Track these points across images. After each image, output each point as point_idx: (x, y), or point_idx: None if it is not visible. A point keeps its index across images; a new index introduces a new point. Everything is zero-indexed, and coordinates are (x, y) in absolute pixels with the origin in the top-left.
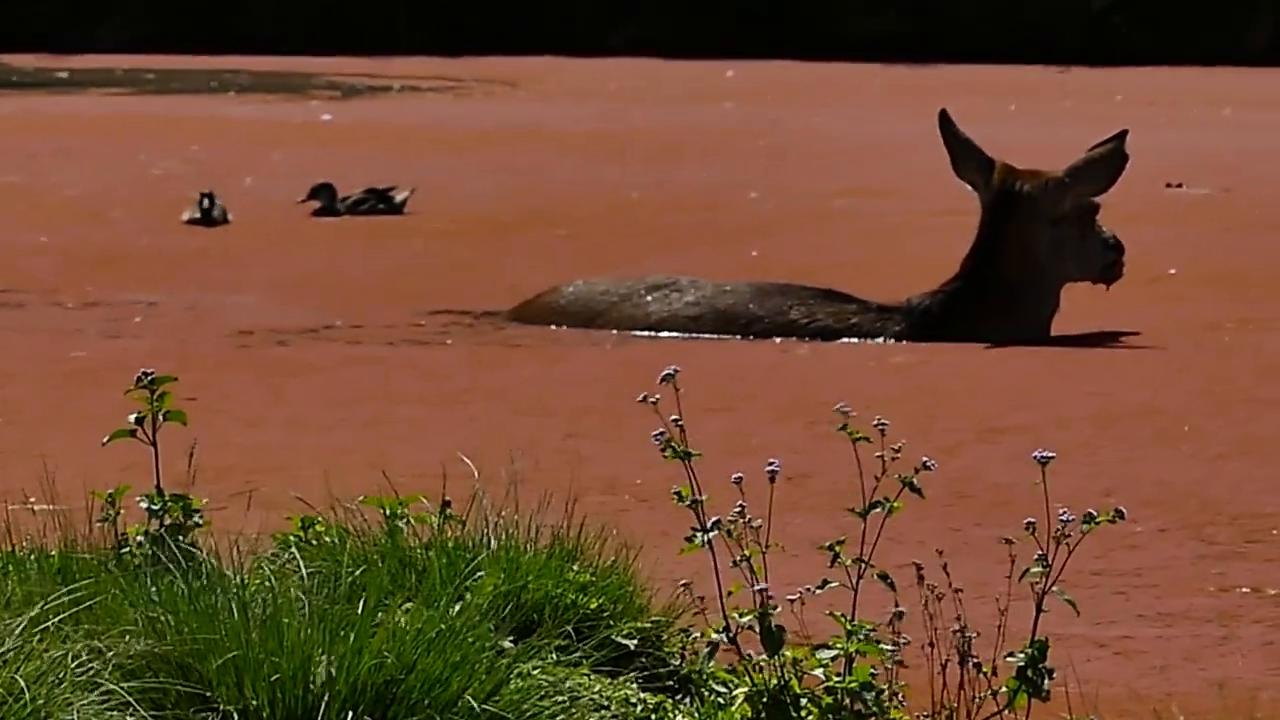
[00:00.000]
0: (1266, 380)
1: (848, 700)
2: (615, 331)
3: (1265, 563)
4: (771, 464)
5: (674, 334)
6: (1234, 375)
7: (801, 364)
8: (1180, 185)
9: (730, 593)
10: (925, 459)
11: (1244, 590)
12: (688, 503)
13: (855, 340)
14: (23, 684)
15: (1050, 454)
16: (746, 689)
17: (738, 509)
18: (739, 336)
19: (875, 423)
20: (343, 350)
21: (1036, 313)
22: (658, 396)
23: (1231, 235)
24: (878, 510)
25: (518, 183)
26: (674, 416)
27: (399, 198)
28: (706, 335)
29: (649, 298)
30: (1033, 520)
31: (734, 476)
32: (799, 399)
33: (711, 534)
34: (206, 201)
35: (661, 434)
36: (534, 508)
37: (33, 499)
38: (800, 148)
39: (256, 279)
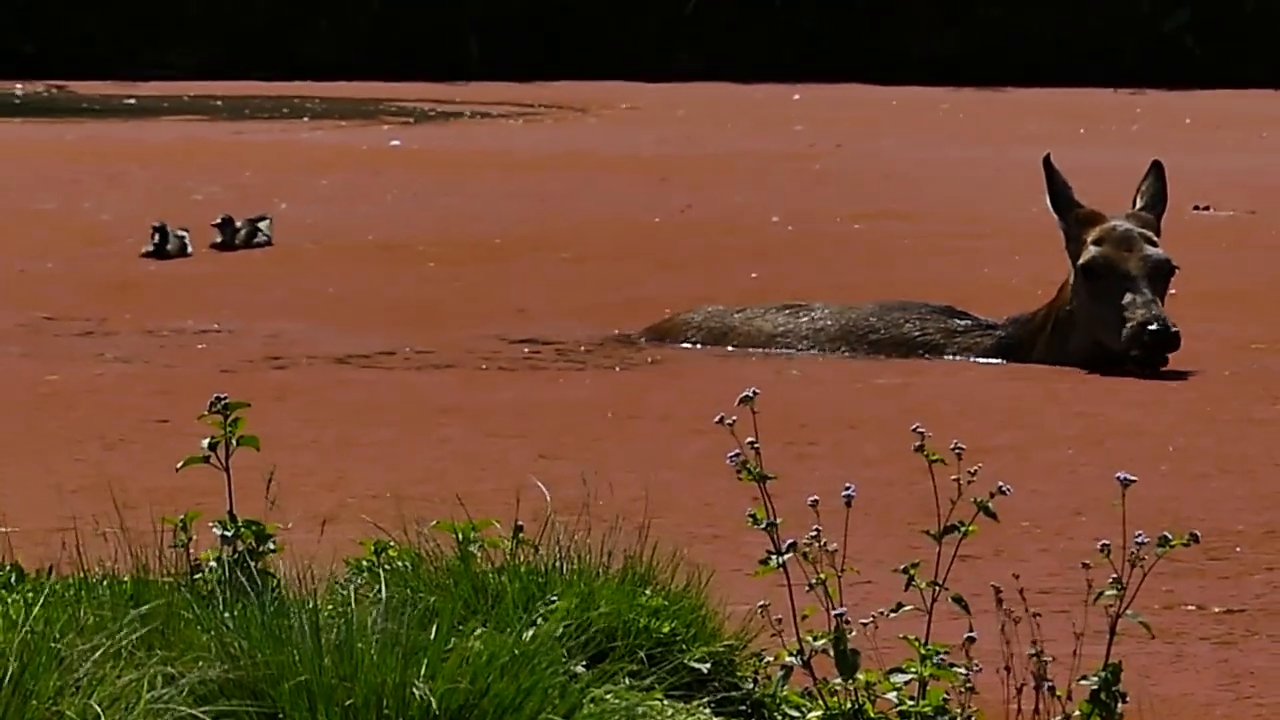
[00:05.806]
0: (1263, 401)
1: None
2: (731, 348)
3: (1219, 580)
4: (848, 489)
5: (794, 350)
6: (1231, 396)
7: (791, 385)
8: (1208, 208)
9: (805, 615)
10: (1000, 484)
11: (1189, 607)
12: (763, 525)
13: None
14: (97, 709)
15: (1132, 477)
16: (820, 713)
17: (814, 532)
18: (851, 350)
19: (952, 446)
20: (329, 372)
21: (1066, 344)
22: (734, 418)
23: (1245, 257)
24: (953, 534)
25: (545, 207)
26: (750, 439)
27: (264, 226)
28: (826, 352)
29: (780, 314)
30: (1106, 542)
31: (810, 499)
32: (782, 420)
33: (787, 557)
34: (157, 235)
35: (737, 455)
36: (604, 532)
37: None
38: (850, 171)
39: (275, 303)
